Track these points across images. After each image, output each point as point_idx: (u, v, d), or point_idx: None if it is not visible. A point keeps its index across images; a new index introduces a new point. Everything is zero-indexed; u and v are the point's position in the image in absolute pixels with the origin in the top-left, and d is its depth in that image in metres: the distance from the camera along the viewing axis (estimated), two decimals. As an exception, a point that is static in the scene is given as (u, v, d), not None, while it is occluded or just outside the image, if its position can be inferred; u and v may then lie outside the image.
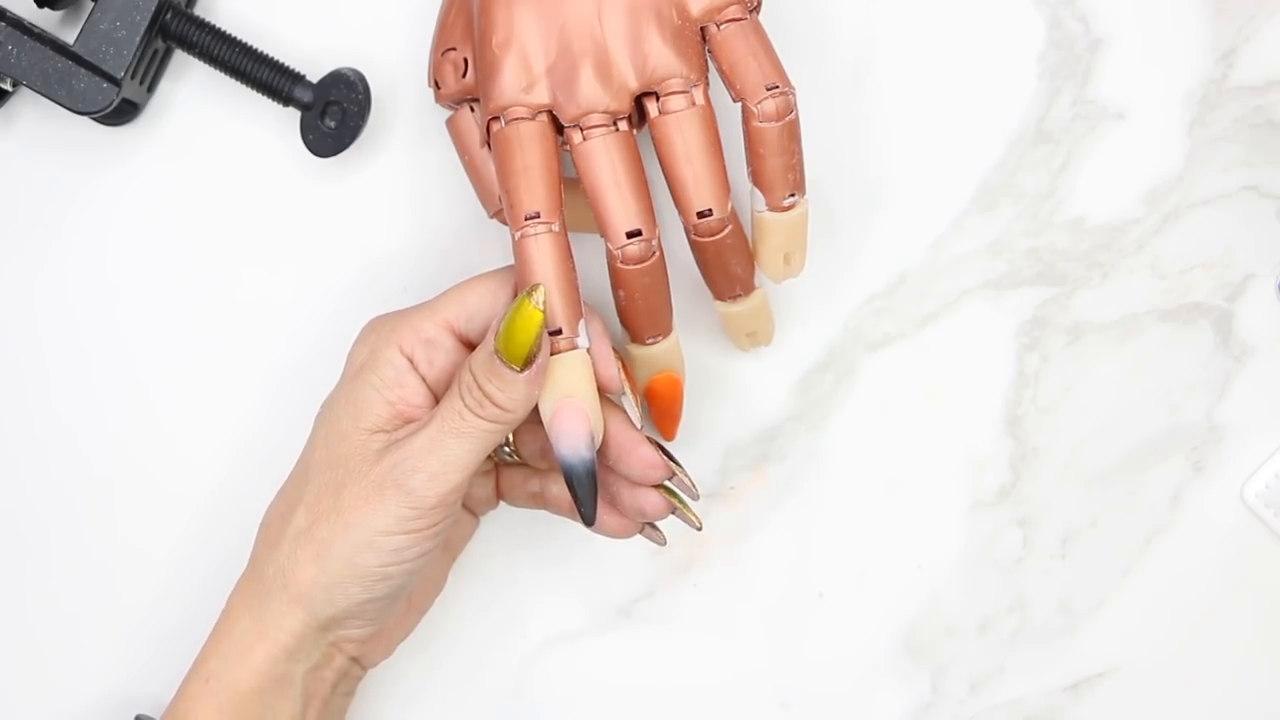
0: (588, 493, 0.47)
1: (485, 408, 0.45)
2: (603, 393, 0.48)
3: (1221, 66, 0.55)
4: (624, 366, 0.49)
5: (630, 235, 0.47)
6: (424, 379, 0.48)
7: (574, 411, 0.46)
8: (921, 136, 0.55)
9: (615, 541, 0.55)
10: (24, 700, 0.56)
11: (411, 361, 0.48)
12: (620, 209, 0.47)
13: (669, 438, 0.53)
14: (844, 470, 0.56)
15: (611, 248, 0.47)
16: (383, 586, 0.47)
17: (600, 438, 0.48)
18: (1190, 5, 0.55)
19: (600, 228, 0.47)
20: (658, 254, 0.48)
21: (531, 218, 0.46)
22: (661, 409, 0.52)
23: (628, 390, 0.49)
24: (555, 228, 0.47)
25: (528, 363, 0.45)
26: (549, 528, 0.55)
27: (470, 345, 0.49)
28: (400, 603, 0.49)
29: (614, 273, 0.48)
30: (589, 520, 0.47)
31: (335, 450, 0.47)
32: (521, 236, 0.46)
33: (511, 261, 0.48)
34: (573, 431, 0.46)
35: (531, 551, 0.56)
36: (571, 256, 0.47)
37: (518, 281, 0.47)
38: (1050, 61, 0.55)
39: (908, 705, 0.55)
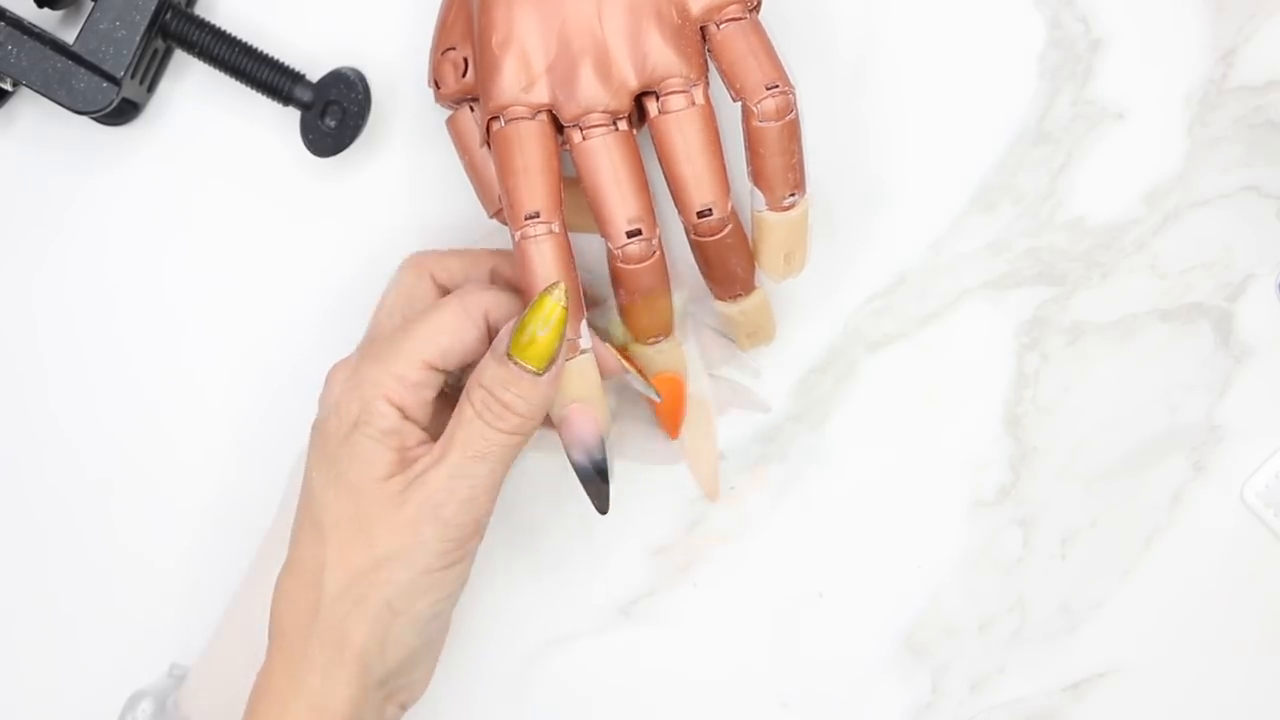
0: (601, 489, 0.48)
1: (507, 419, 0.45)
2: (605, 377, 0.49)
3: (1221, 66, 0.55)
4: (619, 351, 0.50)
5: (630, 235, 0.47)
6: (417, 422, 0.47)
7: (584, 417, 0.47)
8: (921, 136, 0.55)
9: (614, 541, 0.55)
10: (20, 704, 0.56)
11: (403, 411, 0.47)
12: (620, 208, 0.47)
13: (672, 437, 0.53)
14: (844, 470, 0.56)
15: (612, 247, 0.47)
16: (435, 625, 0.47)
17: (609, 435, 0.48)
18: (1190, 5, 0.55)
19: (600, 227, 0.47)
20: (658, 253, 0.48)
21: (531, 217, 0.46)
22: (663, 409, 0.52)
23: (629, 368, 0.49)
24: (555, 228, 0.47)
25: (550, 363, 0.45)
26: (549, 527, 0.55)
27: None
28: (445, 636, 0.49)
29: (614, 272, 0.48)
30: (603, 510, 0.49)
31: (352, 507, 0.46)
32: (521, 237, 0.46)
33: (473, 280, 0.49)
34: (585, 435, 0.47)
35: (531, 551, 0.56)
36: (572, 256, 0.47)
37: (520, 282, 0.47)
38: (1050, 61, 0.55)
39: (908, 705, 0.55)
